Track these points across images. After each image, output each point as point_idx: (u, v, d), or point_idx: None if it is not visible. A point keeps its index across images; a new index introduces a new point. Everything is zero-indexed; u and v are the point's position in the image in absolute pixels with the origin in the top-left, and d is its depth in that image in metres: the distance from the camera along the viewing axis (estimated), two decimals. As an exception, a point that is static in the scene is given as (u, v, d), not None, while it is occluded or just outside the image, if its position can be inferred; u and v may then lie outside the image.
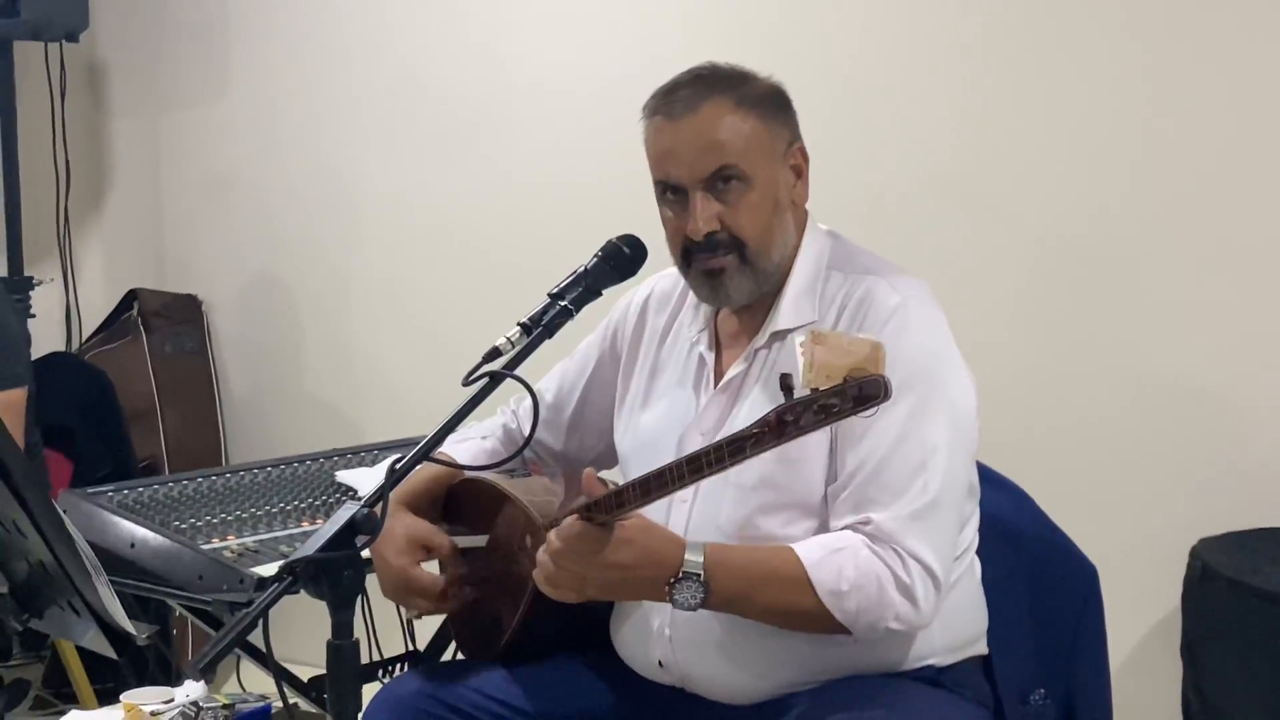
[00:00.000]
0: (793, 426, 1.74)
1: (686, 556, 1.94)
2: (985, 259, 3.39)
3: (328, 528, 1.77)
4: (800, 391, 1.73)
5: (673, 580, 1.93)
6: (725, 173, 2.08)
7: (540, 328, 2.06)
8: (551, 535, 1.96)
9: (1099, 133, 3.25)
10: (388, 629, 2.69)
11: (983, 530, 2.20)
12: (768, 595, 1.98)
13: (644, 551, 1.94)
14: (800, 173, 2.17)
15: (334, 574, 1.75)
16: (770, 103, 2.15)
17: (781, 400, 2.01)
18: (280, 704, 2.69)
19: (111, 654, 1.79)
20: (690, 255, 2.13)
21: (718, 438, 2.09)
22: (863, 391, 1.70)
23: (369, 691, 2.26)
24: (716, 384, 2.19)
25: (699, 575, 1.93)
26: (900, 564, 1.96)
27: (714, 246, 2.10)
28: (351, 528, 1.77)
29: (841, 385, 1.70)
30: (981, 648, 2.21)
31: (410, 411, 4.06)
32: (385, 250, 4.32)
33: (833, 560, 1.96)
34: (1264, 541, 3.00)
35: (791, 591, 1.96)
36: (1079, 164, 3.28)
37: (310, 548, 1.75)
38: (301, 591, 1.78)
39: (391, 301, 4.33)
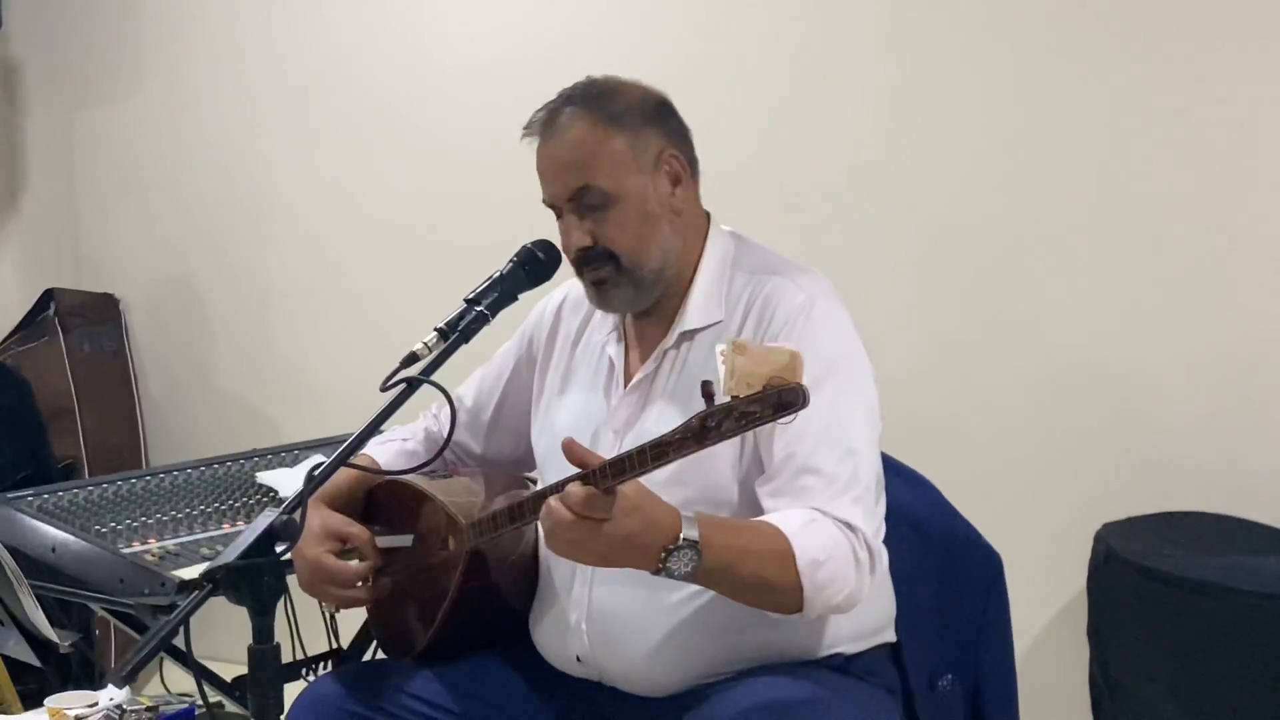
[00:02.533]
0: (714, 432, 1.78)
1: (683, 525, 1.93)
2: (890, 250, 3.46)
3: (247, 535, 1.80)
4: (721, 399, 1.78)
5: (670, 548, 1.92)
6: (586, 192, 2.14)
7: (457, 333, 2.10)
8: (554, 502, 1.90)
9: (1002, 121, 3.33)
10: (311, 627, 2.71)
11: (890, 521, 2.23)
12: (752, 566, 1.97)
13: (648, 518, 1.92)
14: (677, 179, 2.20)
15: (254, 580, 1.77)
16: (636, 116, 2.18)
17: (693, 400, 2.06)
18: (207, 706, 2.73)
19: (35, 661, 1.80)
20: (579, 267, 2.20)
21: (628, 437, 2.15)
22: (782, 399, 1.75)
23: (293, 690, 2.30)
24: (626, 384, 2.24)
25: (695, 543, 1.92)
26: (858, 540, 2.01)
27: (590, 260, 2.17)
28: (270, 535, 1.79)
29: (761, 393, 1.75)
30: (889, 635, 2.26)
31: (330, 409, 4.09)
32: (302, 247, 4.33)
33: (811, 531, 1.99)
34: (1165, 526, 3.08)
35: (774, 563, 1.97)
36: (989, 151, 3.36)
37: (230, 555, 1.78)
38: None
39: (309, 299, 4.34)
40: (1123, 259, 3.23)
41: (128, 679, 1.69)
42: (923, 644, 2.29)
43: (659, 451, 1.82)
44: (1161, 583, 2.86)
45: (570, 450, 1.91)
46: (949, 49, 3.37)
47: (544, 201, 2.21)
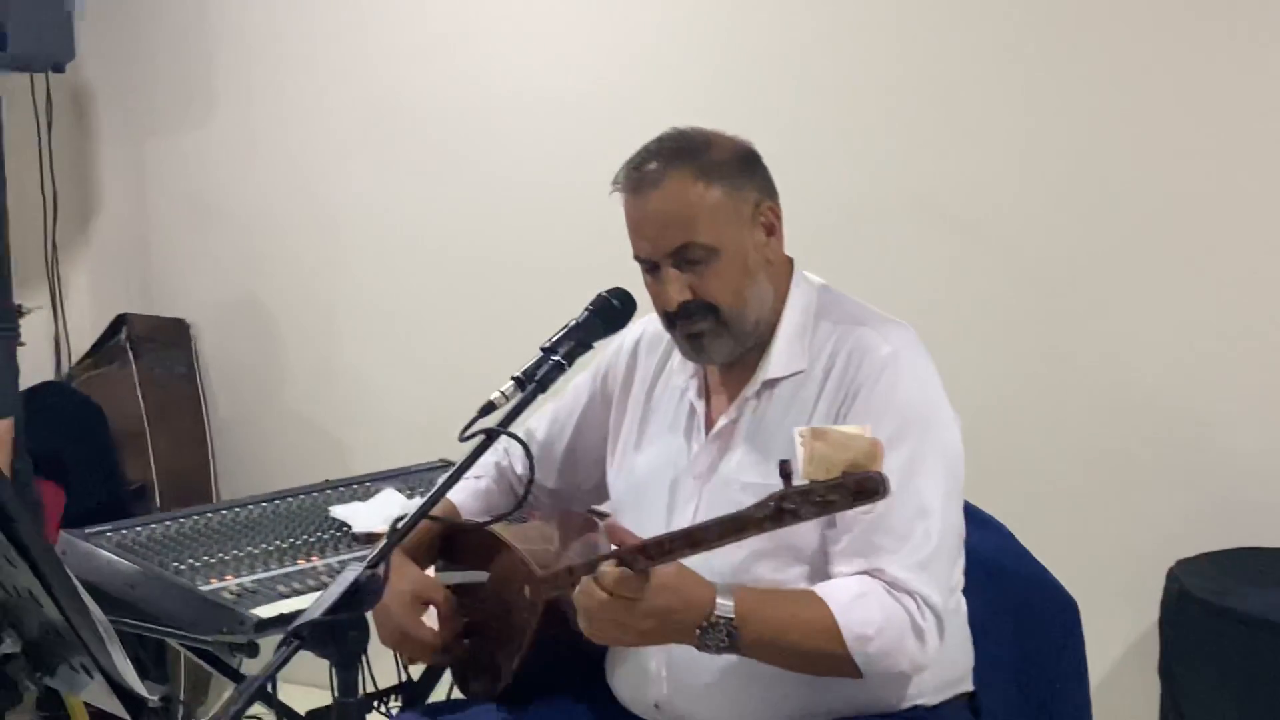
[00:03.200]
0: (790, 515, 1.80)
1: (718, 601, 1.97)
2: (961, 281, 3.44)
3: (333, 590, 1.81)
4: (798, 481, 1.79)
5: (704, 625, 1.96)
6: (689, 249, 2.13)
7: (534, 383, 2.11)
8: (589, 584, 1.96)
9: (1078, 150, 3.30)
10: (380, 657, 2.72)
11: (968, 569, 2.26)
12: (794, 640, 2.00)
13: (681, 596, 1.96)
14: (772, 230, 2.20)
15: (339, 635, 1.79)
16: (734, 168, 2.16)
17: (772, 450, 2.09)
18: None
19: (125, 716, 1.83)
20: (672, 319, 2.19)
21: (709, 484, 2.16)
22: (861, 488, 1.76)
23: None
24: (708, 431, 2.24)
25: (730, 619, 1.96)
26: (917, 609, 2.02)
27: (689, 314, 2.16)
28: (355, 590, 1.81)
29: (840, 480, 1.77)
30: (968, 685, 2.26)
31: (399, 432, 4.12)
32: (370, 270, 4.36)
33: (859, 605, 2.01)
34: (1240, 562, 3.05)
35: (818, 637, 2.00)
36: (1057, 182, 3.33)
37: (316, 610, 1.79)
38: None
39: (377, 321, 4.37)
40: (1197, 289, 3.20)
41: (219, 735, 1.71)
42: (999, 693, 2.29)
43: (737, 526, 1.85)
44: (1235, 621, 2.83)
45: (613, 532, 1.96)
46: (1014, 74, 3.35)
47: (636, 256, 2.19)
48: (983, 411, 3.27)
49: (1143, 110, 3.23)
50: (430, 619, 2.33)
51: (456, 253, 4.19)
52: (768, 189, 2.21)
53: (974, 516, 2.37)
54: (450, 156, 4.16)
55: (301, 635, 1.77)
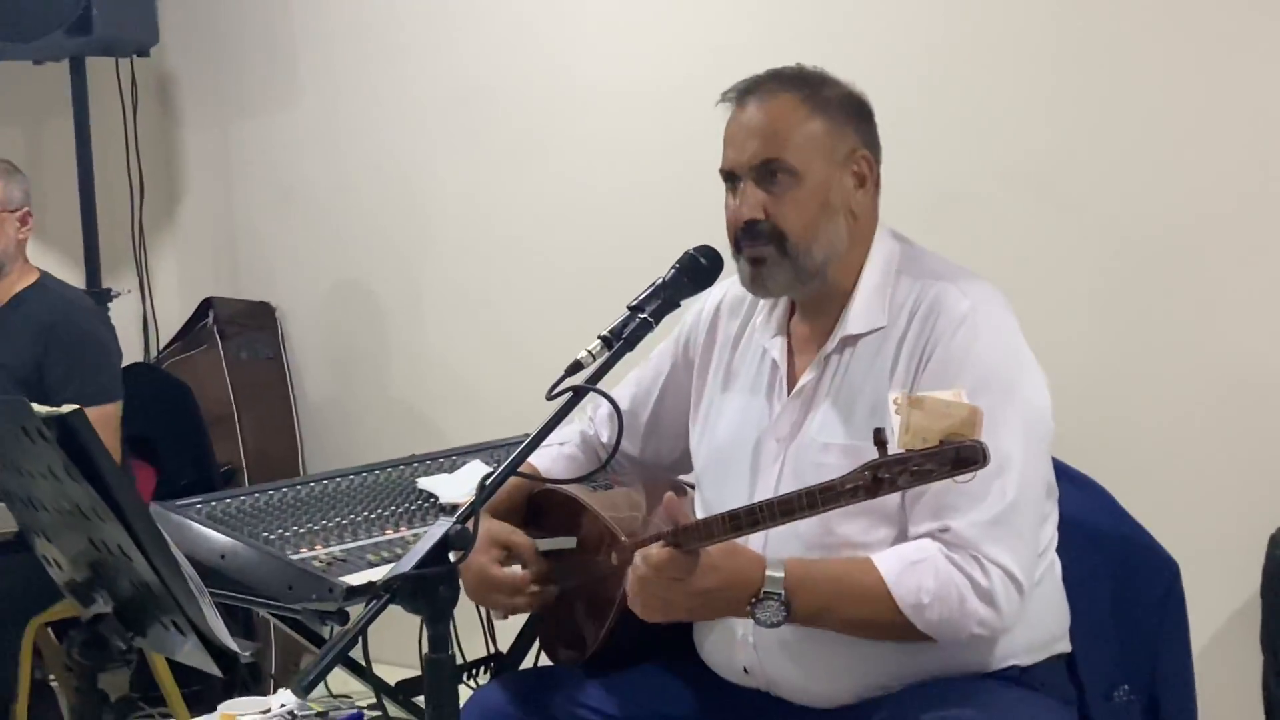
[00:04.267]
0: (887, 484, 1.77)
1: (768, 574, 1.97)
2: (1059, 255, 3.38)
3: (422, 544, 1.80)
4: (894, 449, 1.76)
5: (755, 599, 1.97)
6: (774, 164, 2.12)
7: (621, 341, 2.09)
8: (639, 561, 1.99)
9: (1177, 125, 3.23)
10: (469, 631, 2.73)
11: (1063, 529, 2.21)
12: (849, 610, 2.01)
13: (729, 574, 1.98)
14: (863, 181, 2.18)
15: (429, 590, 1.78)
16: (840, 107, 2.18)
17: (855, 410, 2.09)
18: (371, 711, 2.76)
19: (217, 672, 1.83)
20: (739, 242, 2.17)
21: (792, 446, 2.13)
22: (960, 456, 1.73)
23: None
24: (790, 390, 2.22)
25: (780, 594, 1.96)
26: (980, 571, 1.98)
27: (755, 235, 2.14)
28: (445, 544, 1.80)
29: (939, 449, 1.74)
30: (1064, 646, 2.22)
31: (485, 414, 4.11)
32: (456, 255, 4.37)
33: (912, 573, 1.98)
34: (1342, 530, 2.99)
35: (873, 606, 1.99)
36: (1155, 157, 3.26)
37: (405, 564, 1.79)
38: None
39: (464, 306, 4.37)
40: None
41: (310, 687, 1.71)
42: (1098, 654, 2.25)
43: (830, 497, 1.83)
44: (1338, 590, 2.78)
45: (670, 508, 1.96)
46: (1109, 37, 3.28)
47: (722, 168, 2.19)
48: (1084, 377, 3.25)
49: (1251, 60, 3.14)
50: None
51: (540, 237, 4.19)
52: (870, 141, 2.21)
53: (1071, 477, 2.33)
54: (536, 143, 4.16)
55: (392, 589, 1.77)
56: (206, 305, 4.68)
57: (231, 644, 1.80)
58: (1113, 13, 3.28)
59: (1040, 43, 3.37)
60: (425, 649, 1.81)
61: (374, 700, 2.93)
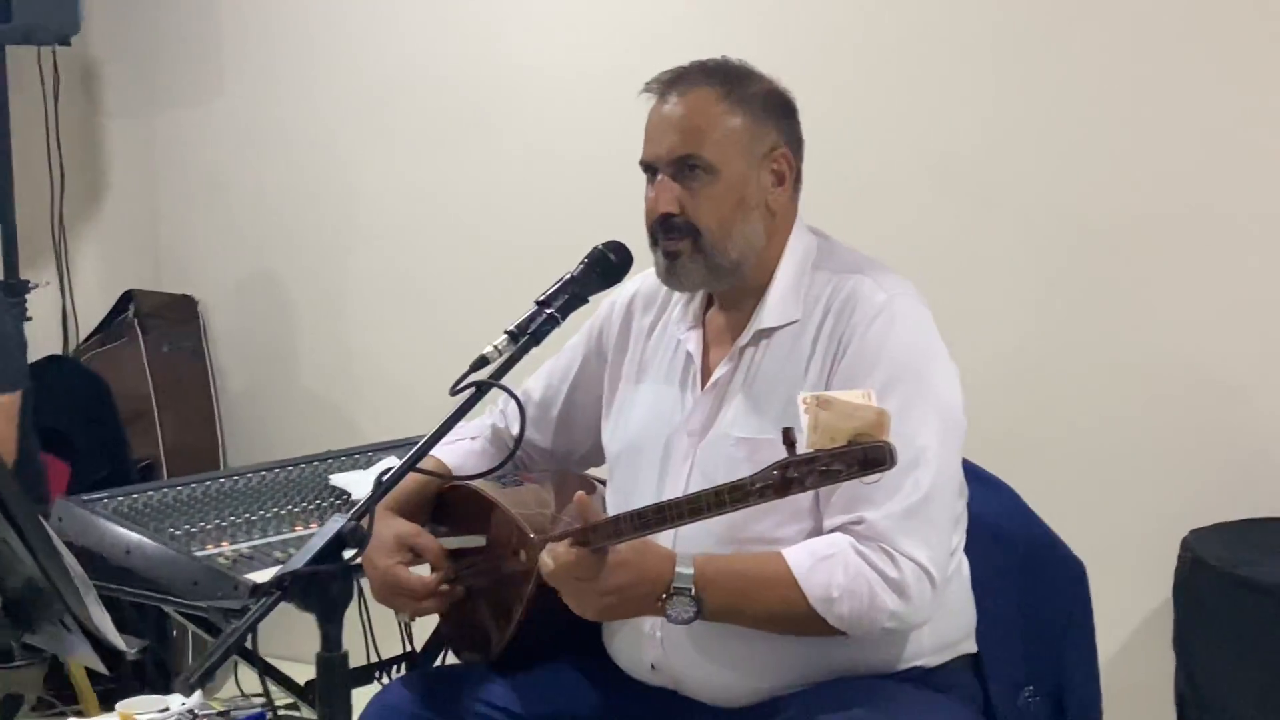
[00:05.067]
0: (796, 484, 1.77)
1: (677, 570, 1.97)
2: (981, 250, 3.39)
3: (315, 541, 1.78)
4: (802, 449, 1.76)
5: (665, 596, 1.96)
6: (691, 159, 2.12)
7: (527, 336, 2.07)
8: (545, 559, 1.97)
9: (1097, 121, 3.25)
10: (386, 630, 2.70)
11: (971, 529, 2.21)
12: (760, 605, 2.00)
13: (639, 571, 1.97)
14: (783, 179, 2.17)
15: (322, 587, 1.76)
16: (762, 103, 2.17)
17: (768, 404, 2.08)
18: (290, 711, 2.73)
19: (102, 669, 1.80)
20: (656, 235, 2.16)
21: (704, 440, 2.12)
22: (868, 456, 1.73)
23: (366, 694, 2.29)
24: (704, 384, 2.20)
25: (690, 590, 1.96)
26: (891, 564, 1.98)
27: (671, 229, 2.13)
28: (339, 541, 1.78)
29: (846, 449, 1.73)
30: (970, 646, 2.22)
31: (409, 409, 4.05)
32: (382, 247, 4.33)
33: (822, 567, 1.97)
34: (1254, 532, 3.01)
35: (783, 600, 1.98)
36: (1076, 152, 3.28)
37: (298, 561, 1.76)
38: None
39: (389, 298, 4.33)
40: (1215, 255, 3.15)
41: (195, 686, 1.68)
42: (1004, 655, 2.24)
43: (738, 496, 1.82)
44: (1251, 591, 2.79)
45: (581, 506, 1.95)
46: (1042, 31, 3.29)
47: (642, 161, 2.18)
48: (994, 374, 3.25)
49: (1172, 81, 3.16)
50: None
51: (465, 230, 4.16)
52: (792, 137, 2.20)
53: (978, 476, 2.33)
54: (465, 132, 4.13)
55: (283, 585, 1.74)
56: (127, 298, 4.61)
57: (118, 641, 1.76)
58: (1046, 6, 3.28)
59: (972, 35, 3.38)
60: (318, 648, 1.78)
61: (290, 700, 2.91)
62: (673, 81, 2.17)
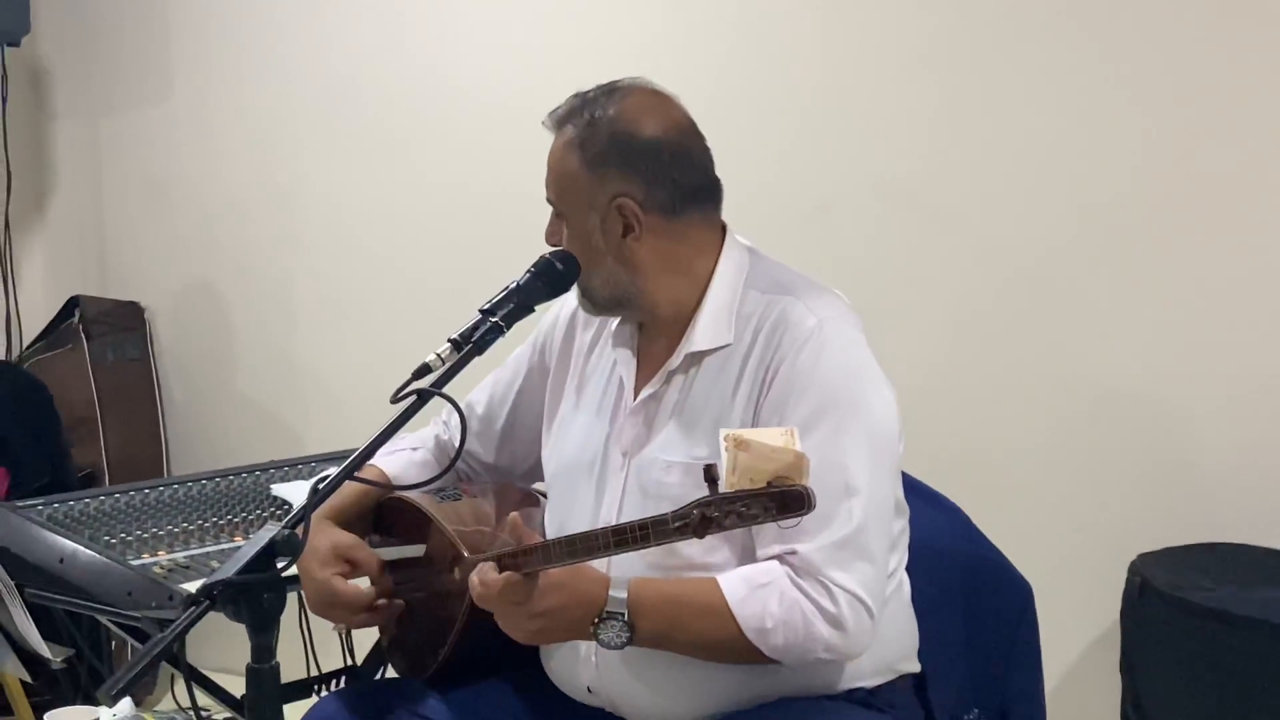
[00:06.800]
0: (715, 524, 1.74)
1: (611, 594, 1.94)
2: (927, 268, 3.37)
3: (247, 549, 1.74)
4: (724, 488, 1.75)
5: (597, 620, 1.94)
6: (552, 202, 2.16)
7: (470, 344, 2.03)
8: (475, 581, 1.94)
9: (1044, 143, 3.23)
10: (326, 643, 2.66)
11: (915, 548, 2.19)
12: (693, 632, 1.97)
13: (571, 594, 1.94)
14: (629, 230, 2.10)
15: (253, 597, 1.72)
16: (611, 152, 2.09)
17: (698, 429, 2.07)
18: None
19: (27, 677, 1.75)
20: None
21: (636, 459, 2.11)
22: (785, 501, 1.71)
23: (306, 707, 2.24)
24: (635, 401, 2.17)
25: (623, 615, 1.93)
26: (827, 596, 1.95)
27: None
28: (271, 549, 1.74)
29: (764, 492, 1.72)
30: (912, 666, 2.19)
31: (352, 418, 4.02)
32: (326, 256, 4.30)
33: (757, 596, 1.94)
34: (1203, 556, 2.99)
35: (717, 628, 1.95)
36: (1023, 174, 3.26)
37: (229, 570, 1.72)
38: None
39: (333, 307, 4.30)
40: (1164, 281, 3.14)
41: (119, 696, 1.63)
42: (948, 676, 2.23)
43: (660, 531, 1.79)
44: (1198, 616, 2.77)
45: (515, 529, 1.94)
46: (987, 53, 3.28)
47: None
48: (942, 396, 3.24)
49: (1116, 105, 3.16)
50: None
51: (412, 239, 4.13)
52: (646, 182, 2.09)
53: (924, 494, 2.32)
54: (409, 142, 4.10)
55: (212, 595, 1.70)
56: (73, 304, 4.57)
57: (42, 649, 1.72)
58: (992, 29, 3.28)
59: (919, 56, 3.36)
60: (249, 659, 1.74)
61: (229, 715, 2.85)
62: (555, 118, 2.17)
